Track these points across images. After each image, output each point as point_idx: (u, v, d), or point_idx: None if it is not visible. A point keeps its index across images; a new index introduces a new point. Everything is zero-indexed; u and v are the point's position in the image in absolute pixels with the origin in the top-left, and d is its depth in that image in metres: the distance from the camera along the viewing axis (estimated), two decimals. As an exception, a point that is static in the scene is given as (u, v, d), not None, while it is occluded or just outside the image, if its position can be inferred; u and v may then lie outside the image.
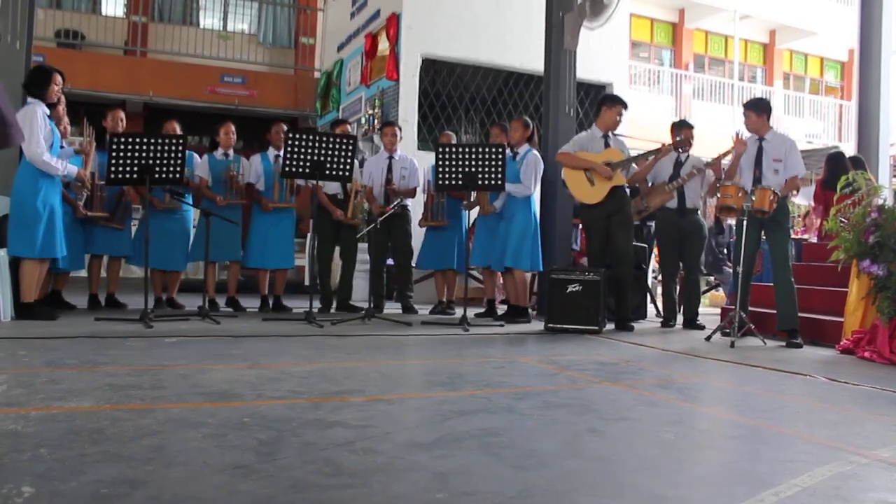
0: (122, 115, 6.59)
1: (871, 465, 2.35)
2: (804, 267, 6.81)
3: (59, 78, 5.45)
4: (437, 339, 5.37)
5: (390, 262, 7.42)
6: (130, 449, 2.19)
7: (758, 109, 5.94)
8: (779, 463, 2.35)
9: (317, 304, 6.93)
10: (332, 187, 6.88)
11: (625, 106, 6.52)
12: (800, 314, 5.80)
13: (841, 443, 2.63)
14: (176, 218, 6.53)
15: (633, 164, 6.54)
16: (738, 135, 6.07)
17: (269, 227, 6.72)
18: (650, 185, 6.75)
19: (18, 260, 5.37)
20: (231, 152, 6.80)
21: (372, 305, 6.34)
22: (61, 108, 5.79)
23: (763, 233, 5.92)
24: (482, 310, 7.22)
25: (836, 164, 7.50)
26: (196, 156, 6.77)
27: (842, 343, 5.43)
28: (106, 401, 2.84)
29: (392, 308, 7.33)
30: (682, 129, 6.69)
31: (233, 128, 6.87)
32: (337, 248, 7.13)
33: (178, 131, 6.55)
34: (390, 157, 7.08)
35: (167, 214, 6.44)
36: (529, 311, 6.81)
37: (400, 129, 7.40)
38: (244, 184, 6.73)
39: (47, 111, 5.36)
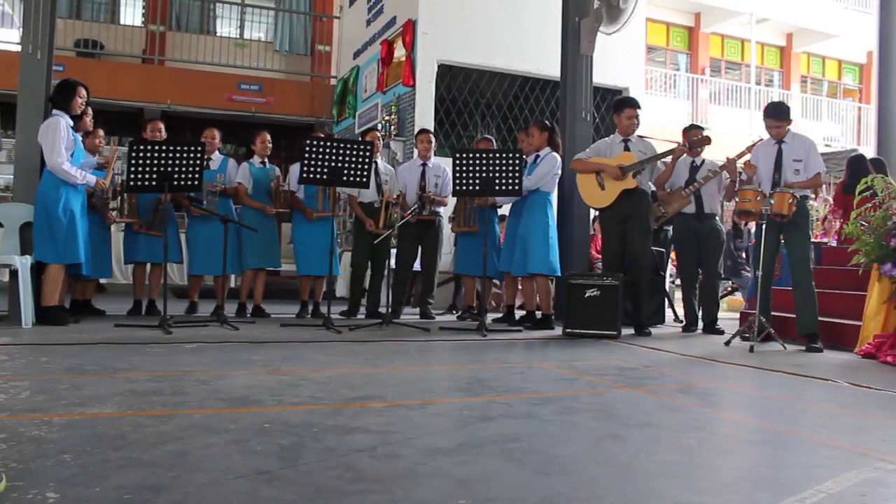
0: (160, 126, 6.68)
1: (897, 472, 2.32)
2: (824, 270, 6.76)
3: (83, 91, 5.58)
4: (456, 345, 5.37)
5: (417, 267, 7.38)
6: (153, 455, 2.20)
7: (776, 117, 5.89)
8: (803, 469, 2.33)
9: (344, 307, 7.13)
10: (368, 196, 6.86)
11: (633, 106, 6.47)
12: (820, 318, 5.74)
13: (866, 448, 2.60)
14: (218, 225, 6.53)
15: (659, 164, 6.50)
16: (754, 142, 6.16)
17: (315, 235, 6.72)
18: (667, 190, 6.73)
19: (39, 266, 5.49)
20: (266, 160, 6.86)
21: (389, 311, 6.34)
22: (88, 119, 5.89)
23: (782, 236, 5.87)
24: (500, 315, 7.20)
25: (857, 166, 7.42)
26: (233, 161, 6.82)
27: (863, 347, 5.37)
28: (127, 407, 2.85)
29: (410, 315, 7.32)
30: (691, 132, 6.66)
31: (268, 137, 6.93)
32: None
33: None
34: (424, 165, 7.07)
35: (210, 221, 6.44)
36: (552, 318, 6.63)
37: (434, 136, 7.40)
38: (288, 192, 6.80)
39: (71, 122, 5.50)
